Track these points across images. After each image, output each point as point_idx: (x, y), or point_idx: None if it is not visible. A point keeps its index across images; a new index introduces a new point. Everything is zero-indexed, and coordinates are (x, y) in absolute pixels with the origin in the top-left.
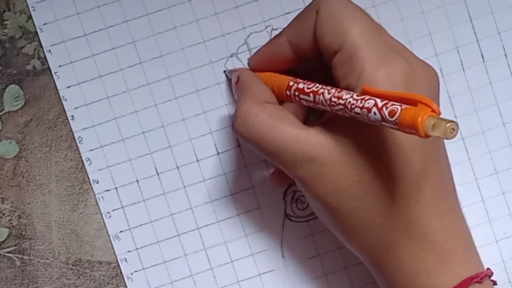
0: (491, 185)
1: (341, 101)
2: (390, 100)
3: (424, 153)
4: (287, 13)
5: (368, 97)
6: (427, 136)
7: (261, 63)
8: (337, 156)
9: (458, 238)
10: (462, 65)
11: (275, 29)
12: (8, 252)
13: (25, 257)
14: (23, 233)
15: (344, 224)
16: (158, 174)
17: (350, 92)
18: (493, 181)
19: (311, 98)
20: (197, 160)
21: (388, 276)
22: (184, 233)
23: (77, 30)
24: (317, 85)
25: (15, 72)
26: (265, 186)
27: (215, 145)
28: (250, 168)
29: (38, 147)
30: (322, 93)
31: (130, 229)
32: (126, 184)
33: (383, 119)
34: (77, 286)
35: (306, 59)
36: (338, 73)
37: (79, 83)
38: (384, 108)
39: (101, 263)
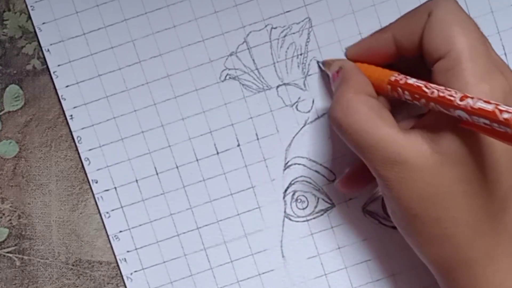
0: None
1: (456, 102)
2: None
3: None
4: (287, 11)
5: (484, 100)
6: None
7: (360, 54)
8: (431, 164)
9: None
10: None
11: (275, 28)
12: (8, 252)
13: (25, 257)
14: (23, 233)
15: (423, 232)
16: (157, 173)
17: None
18: None
19: (418, 95)
20: (197, 160)
21: None
22: (184, 233)
23: (76, 29)
24: (423, 82)
25: (15, 72)
26: (265, 186)
27: (214, 144)
28: (250, 168)
29: (38, 147)
30: (432, 92)
31: (129, 229)
32: (125, 184)
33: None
34: (77, 286)
35: (406, 58)
36: (439, 79)
37: (77, 82)
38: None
39: (101, 263)
